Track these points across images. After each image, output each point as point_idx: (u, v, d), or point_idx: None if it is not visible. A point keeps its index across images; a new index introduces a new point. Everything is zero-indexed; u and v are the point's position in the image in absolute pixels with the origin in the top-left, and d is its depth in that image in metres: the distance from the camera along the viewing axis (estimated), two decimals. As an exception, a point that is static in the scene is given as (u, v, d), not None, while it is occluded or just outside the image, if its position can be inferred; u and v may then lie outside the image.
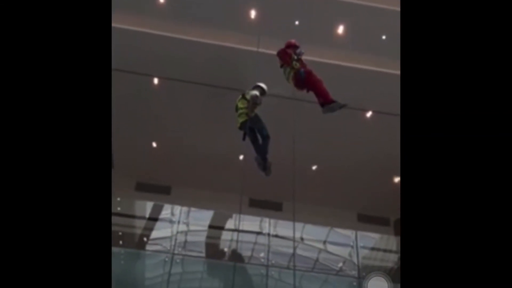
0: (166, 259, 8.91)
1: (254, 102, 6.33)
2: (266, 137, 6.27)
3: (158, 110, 9.96)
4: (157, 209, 11.09)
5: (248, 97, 6.46)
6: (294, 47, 6.49)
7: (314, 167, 10.53)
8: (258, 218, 9.65)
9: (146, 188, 11.19)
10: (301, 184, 9.07)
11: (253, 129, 6.31)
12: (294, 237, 7.18)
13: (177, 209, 10.56)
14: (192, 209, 10.50)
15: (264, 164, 6.28)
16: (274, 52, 6.50)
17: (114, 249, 9.08)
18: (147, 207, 11.40)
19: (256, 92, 6.42)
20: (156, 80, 9.47)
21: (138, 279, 9.14)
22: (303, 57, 6.48)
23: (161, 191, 11.17)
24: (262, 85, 6.69)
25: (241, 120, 6.39)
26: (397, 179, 10.51)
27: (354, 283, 9.29)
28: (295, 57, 6.35)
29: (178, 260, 8.96)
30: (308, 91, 6.22)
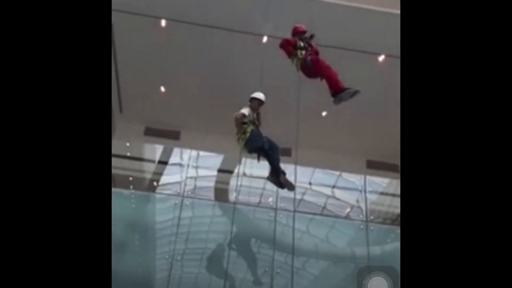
0: (176, 201, 9.05)
1: (240, 122, 5.67)
2: (272, 149, 5.66)
3: (166, 53, 9.85)
4: (166, 155, 11.17)
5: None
6: (300, 33, 6.06)
7: (324, 113, 10.48)
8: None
9: (155, 133, 11.23)
10: (310, 130, 9.07)
11: (260, 147, 5.67)
12: (295, 178, 7.14)
13: (187, 154, 10.63)
14: (201, 153, 10.56)
15: (278, 181, 5.68)
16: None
17: (125, 192, 9.24)
18: (157, 152, 11.48)
19: (243, 111, 5.72)
20: (163, 23, 9.29)
21: (149, 223, 9.35)
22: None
23: (170, 136, 11.22)
24: (257, 95, 5.94)
25: (240, 146, 5.77)
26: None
27: (362, 227, 9.43)
28: (301, 44, 5.91)
29: (187, 203, 9.10)
30: (321, 79, 5.73)
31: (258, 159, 5.75)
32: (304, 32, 6.09)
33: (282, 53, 6.04)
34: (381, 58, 9.45)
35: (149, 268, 8.89)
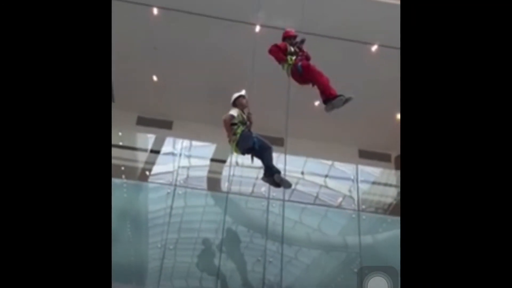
0: (169, 191, 9.04)
1: (229, 124, 5.55)
2: (264, 149, 5.50)
3: (158, 42, 9.79)
4: (159, 144, 11.14)
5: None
6: (291, 37, 5.93)
7: (316, 103, 10.48)
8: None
9: (148, 123, 11.20)
10: (303, 120, 9.08)
11: (251, 147, 5.52)
12: (285, 168, 7.11)
13: (179, 143, 10.60)
14: (194, 143, 10.53)
15: (272, 181, 5.50)
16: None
17: (117, 181, 9.21)
18: (149, 142, 11.45)
19: (231, 113, 5.60)
20: (155, 11, 9.22)
21: (142, 212, 9.33)
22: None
23: (162, 125, 11.19)
24: (236, 95, 5.83)
25: (233, 149, 5.69)
26: (399, 116, 10.43)
27: (353, 216, 9.46)
28: (292, 50, 5.77)
29: (180, 192, 9.09)
30: (313, 85, 5.59)
31: (252, 159, 5.62)
32: (294, 36, 5.96)
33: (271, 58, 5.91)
34: (374, 48, 9.45)
35: (142, 257, 8.89)
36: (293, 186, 9.22)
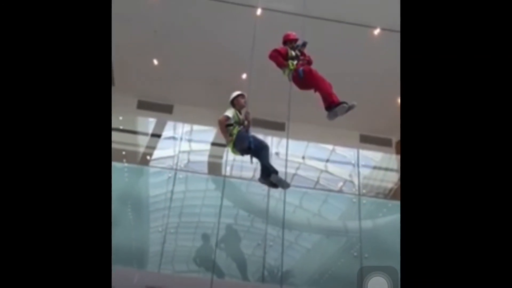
0: (170, 175, 9.06)
1: (224, 125, 5.46)
2: (260, 148, 5.35)
3: (159, 25, 9.72)
4: (160, 129, 11.13)
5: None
6: (291, 41, 5.74)
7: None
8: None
9: (148, 107, 11.17)
10: (304, 104, 9.05)
11: (248, 147, 5.36)
12: (287, 153, 7.11)
13: (180, 127, 10.60)
14: (195, 127, 10.53)
15: (268, 181, 5.34)
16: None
17: (118, 165, 9.23)
18: (150, 127, 11.44)
19: (226, 114, 5.51)
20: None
21: (143, 196, 9.37)
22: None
23: (163, 109, 11.16)
24: (234, 94, 5.74)
25: (231, 150, 5.57)
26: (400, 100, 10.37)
27: (354, 201, 9.49)
28: (293, 54, 5.59)
29: (181, 176, 9.11)
30: (315, 91, 5.42)
31: (251, 160, 5.46)
32: (295, 40, 5.77)
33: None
34: (377, 31, 9.37)
35: (143, 241, 8.95)
36: (293, 171, 9.24)
